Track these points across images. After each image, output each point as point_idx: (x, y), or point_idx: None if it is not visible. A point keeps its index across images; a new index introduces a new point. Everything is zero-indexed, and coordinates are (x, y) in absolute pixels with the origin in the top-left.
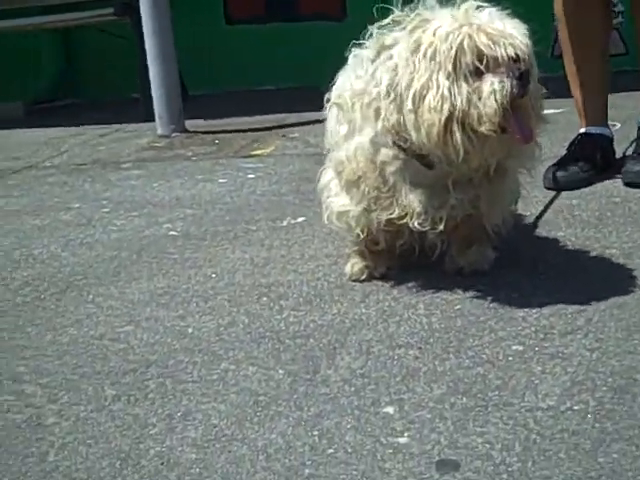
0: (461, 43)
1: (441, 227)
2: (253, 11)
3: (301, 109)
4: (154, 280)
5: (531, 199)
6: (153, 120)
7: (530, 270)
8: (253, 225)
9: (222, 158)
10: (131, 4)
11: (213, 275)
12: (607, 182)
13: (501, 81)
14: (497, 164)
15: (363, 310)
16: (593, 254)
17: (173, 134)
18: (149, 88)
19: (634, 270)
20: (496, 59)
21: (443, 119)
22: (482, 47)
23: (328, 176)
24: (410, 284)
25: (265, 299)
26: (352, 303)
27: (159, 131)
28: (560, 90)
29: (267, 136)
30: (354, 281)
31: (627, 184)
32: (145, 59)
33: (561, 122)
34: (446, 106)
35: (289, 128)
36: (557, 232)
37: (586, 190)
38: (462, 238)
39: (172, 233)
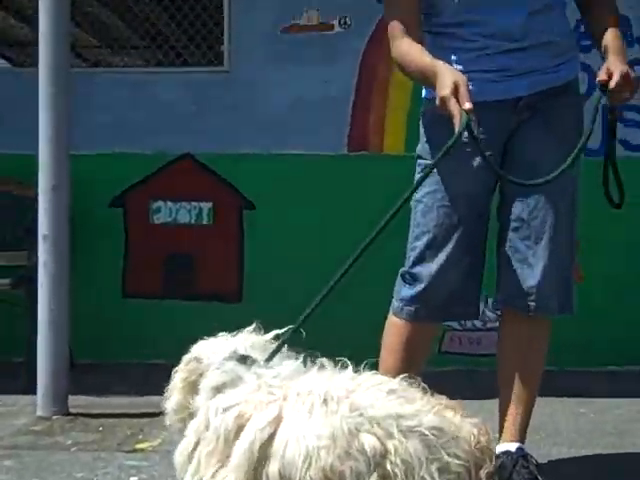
0: None
1: None
2: (150, 286)
3: None
4: None
5: None
6: (34, 393)
7: None
8: None
9: (105, 450)
10: (30, 276)
11: None
12: None
13: None
14: None
15: None
16: None
17: (54, 417)
18: (34, 362)
19: None
20: None
21: None
22: None
23: None
24: None
25: None
26: None
27: (39, 412)
28: (449, 387)
29: (155, 423)
30: None
31: None
32: (34, 333)
33: None
34: None
35: None
36: None
37: None
38: None
39: None
